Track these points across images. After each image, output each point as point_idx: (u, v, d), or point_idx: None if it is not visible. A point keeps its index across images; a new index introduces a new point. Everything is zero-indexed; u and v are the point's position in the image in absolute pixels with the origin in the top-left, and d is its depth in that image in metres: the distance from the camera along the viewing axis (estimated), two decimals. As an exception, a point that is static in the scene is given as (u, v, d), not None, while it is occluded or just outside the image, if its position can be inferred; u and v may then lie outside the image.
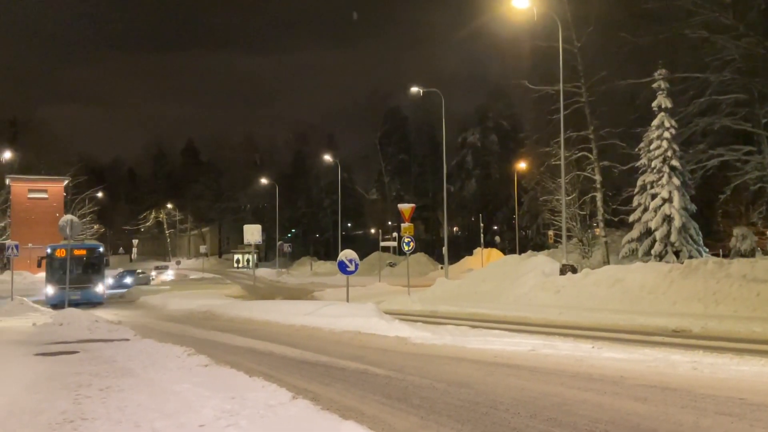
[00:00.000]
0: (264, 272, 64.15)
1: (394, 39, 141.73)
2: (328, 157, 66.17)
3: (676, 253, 25.90)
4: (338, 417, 6.08)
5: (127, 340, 14.43)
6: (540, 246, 49.75)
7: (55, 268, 28.29)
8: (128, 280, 52.26)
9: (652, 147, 26.93)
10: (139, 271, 58.23)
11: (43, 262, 31.47)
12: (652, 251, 26.46)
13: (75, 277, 27.53)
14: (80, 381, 8.83)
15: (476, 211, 67.72)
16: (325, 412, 6.30)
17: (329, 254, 79.97)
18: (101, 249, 30.86)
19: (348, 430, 5.53)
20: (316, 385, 8.50)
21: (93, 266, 30.00)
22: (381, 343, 12.65)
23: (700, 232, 26.95)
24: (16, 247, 26.17)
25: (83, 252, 29.84)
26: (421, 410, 6.88)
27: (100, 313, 23.71)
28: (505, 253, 50.72)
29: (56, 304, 25.84)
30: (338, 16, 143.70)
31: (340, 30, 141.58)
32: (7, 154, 52.34)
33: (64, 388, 8.35)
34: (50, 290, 28.17)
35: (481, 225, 56.77)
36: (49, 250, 28.63)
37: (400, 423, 6.37)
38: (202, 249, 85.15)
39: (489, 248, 58.36)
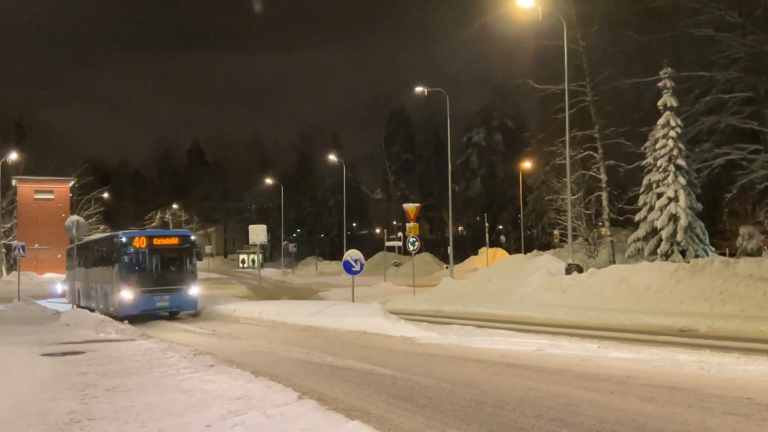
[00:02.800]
0: (269, 272, 64.18)
1: (398, 39, 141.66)
2: (332, 157, 66.12)
3: (682, 253, 25.81)
4: (344, 417, 6.08)
5: (133, 340, 14.48)
6: (545, 245, 49.62)
7: (131, 264, 20.54)
8: None
9: (657, 146, 26.83)
10: None
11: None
12: (658, 250, 26.36)
13: (159, 275, 20.90)
14: (87, 381, 8.87)
15: (481, 210, 67.57)
16: (331, 412, 6.30)
17: (334, 254, 79.88)
18: (193, 237, 22.42)
19: (354, 429, 5.53)
20: (322, 385, 8.50)
21: (183, 261, 21.66)
22: (386, 343, 12.65)
23: (706, 231, 26.84)
24: (23, 248, 26.27)
25: (172, 241, 21.94)
26: (427, 410, 6.88)
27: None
28: (510, 253, 50.61)
29: (136, 315, 20.20)
30: (343, 15, 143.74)
31: (345, 30, 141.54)
32: (14, 155, 52.42)
33: (70, 388, 8.39)
34: (127, 295, 20.16)
35: (486, 224, 56.64)
36: (123, 239, 20.69)
37: (406, 423, 6.37)
38: (208, 249, 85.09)
39: (494, 248, 58.21)
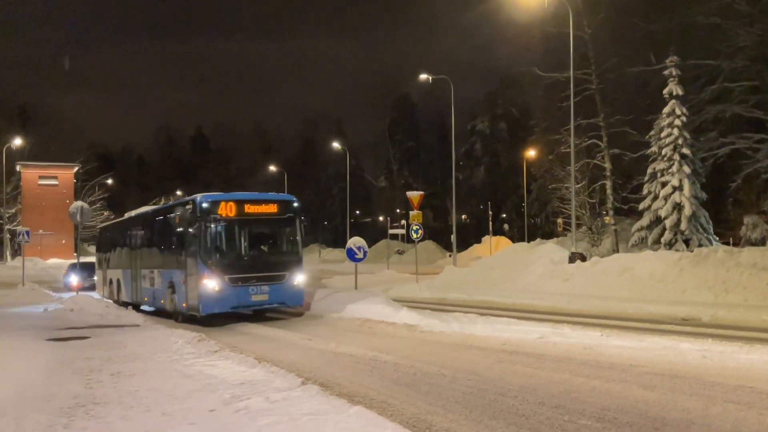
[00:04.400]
0: (273, 259, 64.26)
1: (403, 25, 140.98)
2: (336, 145, 66.08)
3: (686, 242, 25.75)
4: (347, 402, 6.11)
5: (138, 326, 14.55)
6: (549, 234, 49.57)
7: (214, 241, 14.74)
8: None
9: (662, 134, 26.70)
10: None
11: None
12: (662, 239, 26.30)
13: (254, 257, 15.36)
14: (91, 366, 8.92)
15: (485, 198, 67.55)
16: (334, 398, 6.33)
17: (337, 241, 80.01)
18: (297, 204, 16.07)
19: (356, 414, 5.56)
20: (324, 371, 8.54)
21: (285, 236, 15.97)
22: (389, 331, 12.69)
23: (710, 221, 26.77)
24: (27, 233, 26.37)
25: (270, 209, 15.61)
26: (429, 396, 6.91)
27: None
28: (513, 241, 50.63)
29: (222, 313, 14.86)
30: (347, 1, 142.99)
31: (350, 16, 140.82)
32: (18, 141, 52.52)
33: (75, 372, 8.44)
34: (210, 286, 14.38)
35: (490, 213, 56.64)
36: (204, 205, 14.70)
37: (408, 409, 6.40)
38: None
39: (497, 236, 58.27)
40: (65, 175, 59.84)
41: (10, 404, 6.58)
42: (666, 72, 26.73)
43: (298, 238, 15.75)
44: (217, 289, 14.26)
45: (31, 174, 58.29)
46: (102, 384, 7.60)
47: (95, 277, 26.82)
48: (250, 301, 14.74)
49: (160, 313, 17.55)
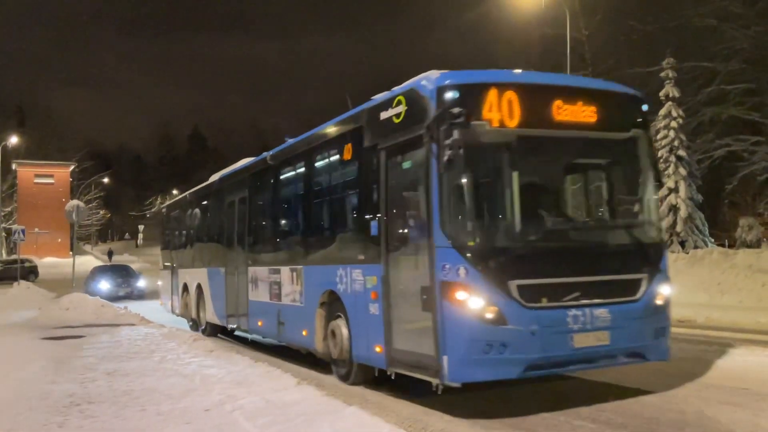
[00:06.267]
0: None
1: (402, 25, 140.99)
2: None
3: (682, 243, 25.79)
4: (342, 402, 6.11)
5: (133, 325, 14.53)
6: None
7: (473, 193, 5.81)
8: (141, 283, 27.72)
9: (659, 136, 26.72)
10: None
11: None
12: (658, 241, 26.39)
13: (572, 241, 6.55)
14: (87, 365, 8.91)
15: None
16: (329, 398, 6.33)
17: (334, 241, 79.94)
18: (646, 107, 6.84)
19: (352, 414, 5.56)
20: (319, 372, 8.53)
21: (631, 186, 6.86)
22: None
23: (706, 223, 26.82)
24: (23, 231, 26.29)
25: (599, 115, 6.29)
26: (425, 398, 6.90)
27: None
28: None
29: (493, 379, 5.84)
30: (346, 1, 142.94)
31: (348, 16, 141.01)
32: (14, 140, 52.40)
33: (70, 371, 8.43)
34: (476, 305, 5.60)
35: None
36: (451, 94, 5.77)
37: (404, 410, 6.39)
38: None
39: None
40: (61, 173, 59.77)
41: (5, 403, 6.57)
42: (662, 74, 26.78)
43: (653, 190, 6.87)
44: (492, 317, 5.66)
45: (27, 172, 58.19)
46: (97, 383, 7.59)
47: (139, 283, 23.89)
48: (570, 351, 5.94)
49: (287, 352, 9.95)
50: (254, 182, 11.01)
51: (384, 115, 6.76)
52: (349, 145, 7.60)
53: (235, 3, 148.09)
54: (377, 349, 6.71)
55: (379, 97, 7.14)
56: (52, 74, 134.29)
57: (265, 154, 10.56)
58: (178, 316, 15.57)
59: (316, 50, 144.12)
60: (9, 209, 56.65)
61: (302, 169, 9.23)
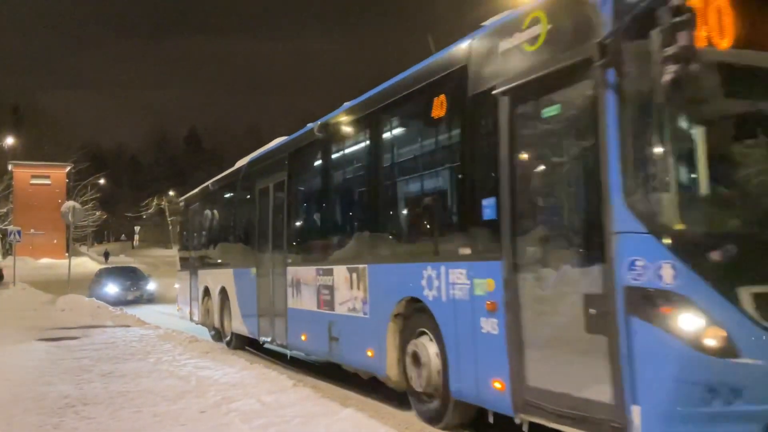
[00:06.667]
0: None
1: (399, 26, 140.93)
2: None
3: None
4: (338, 404, 6.10)
5: (128, 326, 14.50)
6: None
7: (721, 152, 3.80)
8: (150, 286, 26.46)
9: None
10: None
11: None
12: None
13: None
14: (82, 366, 8.89)
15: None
16: (326, 400, 6.32)
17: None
18: None
19: (348, 416, 5.55)
20: (316, 374, 8.52)
21: None
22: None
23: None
24: (19, 233, 26.17)
25: None
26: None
27: None
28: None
29: None
30: (343, 1, 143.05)
31: (345, 17, 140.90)
32: (10, 140, 52.33)
33: (66, 372, 8.41)
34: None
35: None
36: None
37: (400, 413, 6.38)
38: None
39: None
40: (57, 174, 59.61)
41: (0, 405, 6.55)
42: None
43: None
44: (716, 344, 3.51)
45: (23, 173, 58.03)
46: (92, 384, 7.57)
47: (149, 286, 22.69)
48: None
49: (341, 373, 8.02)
50: (295, 163, 8.92)
51: (506, 43, 4.78)
52: (442, 96, 5.61)
53: (233, 4, 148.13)
54: (496, 385, 4.70)
55: (493, 21, 5.27)
56: (48, 75, 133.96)
57: (309, 125, 8.62)
58: (197, 324, 13.70)
59: (314, 51, 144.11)
60: (5, 210, 56.50)
61: (366, 140, 7.13)
